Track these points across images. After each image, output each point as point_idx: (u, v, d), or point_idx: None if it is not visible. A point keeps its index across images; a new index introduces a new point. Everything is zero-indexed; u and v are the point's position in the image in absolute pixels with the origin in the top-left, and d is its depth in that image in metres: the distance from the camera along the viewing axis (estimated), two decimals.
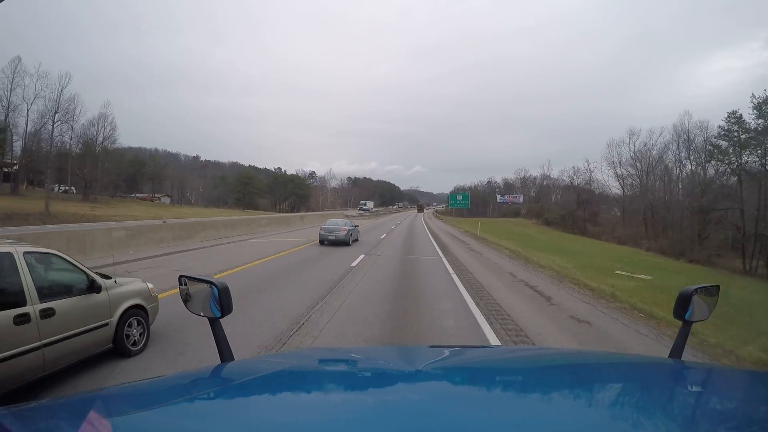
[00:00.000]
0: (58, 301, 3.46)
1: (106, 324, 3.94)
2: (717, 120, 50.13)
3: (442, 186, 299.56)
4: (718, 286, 1.38)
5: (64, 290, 3.61)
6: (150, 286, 4.69)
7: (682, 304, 1.28)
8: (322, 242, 16.64)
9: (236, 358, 1.26)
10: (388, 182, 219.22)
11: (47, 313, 3.31)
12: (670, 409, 0.91)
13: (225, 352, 1.22)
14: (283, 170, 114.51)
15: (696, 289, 1.28)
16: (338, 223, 18.02)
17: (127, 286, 4.34)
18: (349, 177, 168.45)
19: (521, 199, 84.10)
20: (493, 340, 5.31)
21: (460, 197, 61.61)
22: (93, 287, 3.83)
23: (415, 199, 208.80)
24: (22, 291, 3.17)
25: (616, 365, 1.37)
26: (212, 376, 1.12)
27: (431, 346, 1.57)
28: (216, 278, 1.27)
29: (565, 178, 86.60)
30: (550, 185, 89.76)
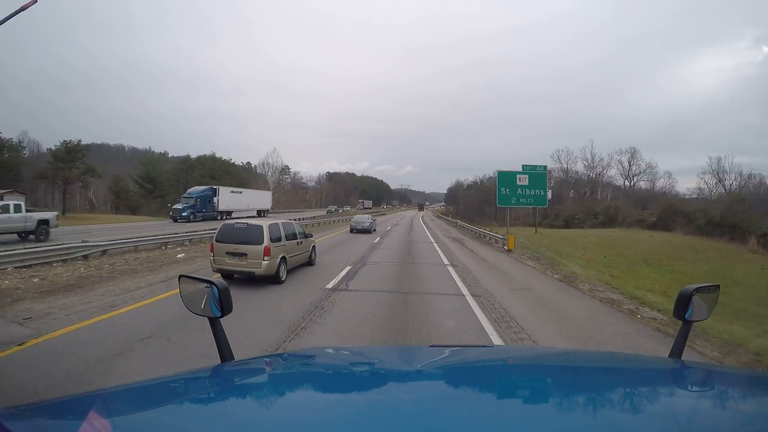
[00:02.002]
0: (301, 238, 9.66)
1: (308, 251, 10.10)
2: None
3: (435, 185, 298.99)
4: (718, 286, 1.37)
5: (301, 234, 9.80)
6: (315, 237, 10.85)
7: (682, 303, 1.26)
8: (352, 231, 23.22)
9: (236, 358, 1.27)
10: (377, 179, 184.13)
11: (300, 242, 9.56)
12: (670, 409, 0.91)
13: (225, 352, 1.22)
14: (253, 165, 74.70)
15: (696, 289, 1.28)
16: (363, 218, 25.46)
17: (313, 237, 10.53)
18: (328, 171, 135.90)
19: (549, 195, 59.34)
20: None
21: (523, 180, 23.92)
22: (307, 235, 10.02)
23: (407, 198, 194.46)
24: (296, 233, 9.41)
25: (616, 365, 1.39)
26: (212, 376, 1.14)
27: (431, 346, 1.58)
28: (216, 279, 1.31)
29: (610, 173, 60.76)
30: (592, 178, 60.80)
